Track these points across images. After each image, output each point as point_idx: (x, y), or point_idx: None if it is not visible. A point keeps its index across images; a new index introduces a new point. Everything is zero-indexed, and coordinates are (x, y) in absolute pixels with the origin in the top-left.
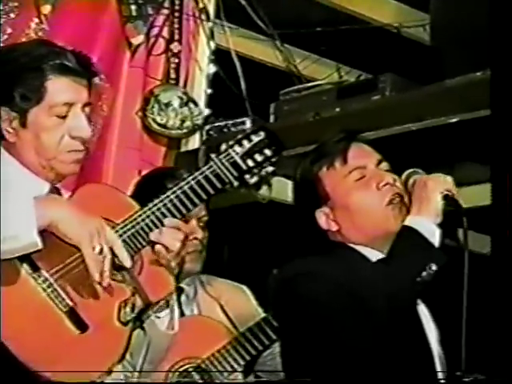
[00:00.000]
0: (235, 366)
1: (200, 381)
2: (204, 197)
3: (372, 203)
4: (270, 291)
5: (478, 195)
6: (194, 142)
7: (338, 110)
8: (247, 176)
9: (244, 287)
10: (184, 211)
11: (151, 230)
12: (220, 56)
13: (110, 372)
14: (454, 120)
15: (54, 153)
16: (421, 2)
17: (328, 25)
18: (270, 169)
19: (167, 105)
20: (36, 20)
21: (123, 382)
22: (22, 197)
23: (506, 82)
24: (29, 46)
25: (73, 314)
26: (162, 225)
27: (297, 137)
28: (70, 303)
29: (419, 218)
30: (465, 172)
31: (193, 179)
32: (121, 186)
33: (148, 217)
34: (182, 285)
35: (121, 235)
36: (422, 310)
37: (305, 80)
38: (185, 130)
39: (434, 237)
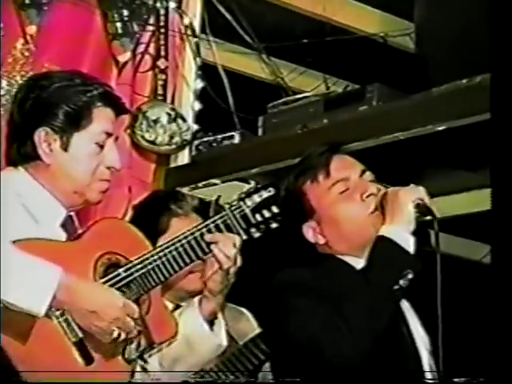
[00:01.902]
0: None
1: None
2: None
3: (357, 214)
4: (260, 301)
5: (467, 202)
6: (184, 158)
7: (325, 121)
8: (253, 230)
9: (244, 310)
10: (194, 258)
11: (161, 271)
12: (207, 71)
13: None
14: (442, 128)
15: (89, 180)
16: (405, 11)
17: (313, 36)
18: (274, 225)
19: (155, 121)
20: (21, 41)
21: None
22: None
23: (506, 85)
24: (69, 74)
25: (81, 346)
26: (179, 265)
27: (285, 149)
28: (80, 334)
29: (393, 227)
30: (453, 180)
31: (204, 227)
32: (111, 203)
33: (160, 258)
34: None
35: (132, 273)
36: (411, 317)
37: (292, 92)
38: (174, 146)
39: (409, 245)
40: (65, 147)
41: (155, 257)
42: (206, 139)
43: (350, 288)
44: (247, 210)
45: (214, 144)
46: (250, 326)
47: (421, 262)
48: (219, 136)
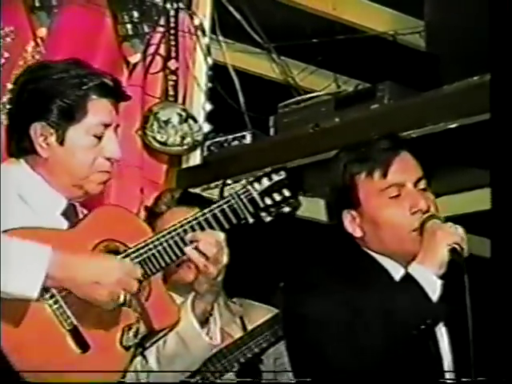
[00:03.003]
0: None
1: None
2: (218, 230)
3: (401, 225)
4: (278, 304)
5: (478, 200)
6: (195, 159)
7: (337, 120)
8: (263, 214)
9: (271, 308)
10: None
11: (163, 257)
12: (217, 71)
13: None
14: (454, 126)
15: (87, 172)
16: (415, 9)
17: (323, 35)
18: (287, 209)
19: (167, 122)
20: (32, 43)
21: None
22: (33, 244)
23: (506, 85)
24: (66, 65)
25: (76, 333)
26: (175, 254)
27: (297, 149)
28: (75, 322)
29: (423, 267)
30: (465, 177)
31: (209, 211)
32: (123, 204)
33: (161, 244)
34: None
35: (132, 259)
36: (441, 335)
37: (303, 92)
38: (185, 147)
39: (435, 289)
40: (60, 141)
41: (156, 242)
42: (217, 140)
43: (373, 304)
44: (255, 194)
45: (226, 144)
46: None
47: (444, 309)
48: (230, 136)
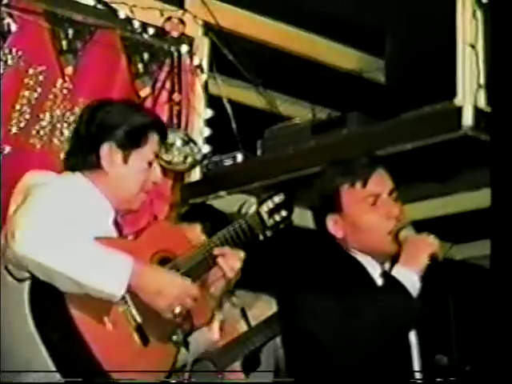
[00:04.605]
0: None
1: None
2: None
3: (378, 228)
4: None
5: (428, 209)
6: (196, 175)
7: (313, 143)
8: (267, 232)
9: (267, 296)
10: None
11: (203, 266)
12: (214, 102)
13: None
14: (410, 147)
15: (138, 191)
16: (377, 49)
17: (303, 72)
18: (283, 226)
19: (172, 145)
20: (60, 80)
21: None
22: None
23: (507, 84)
24: (125, 102)
25: (139, 329)
26: (209, 265)
27: (280, 167)
28: (139, 320)
29: (406, 270)
30: (419, 189)
31: (232, 229)
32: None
33: (203, 254)
34: None
35: (182, 269)
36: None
37: (285, 119)
38: (187, 165)
39: (415, 288)
40: (125, 161)
41: (198, 254)
42: (214, 159)
43: (362, 298)
44: (265, 215)
45: (221, 163)
46: (266, 309)
47: (422, 306)
48: (225, 156)
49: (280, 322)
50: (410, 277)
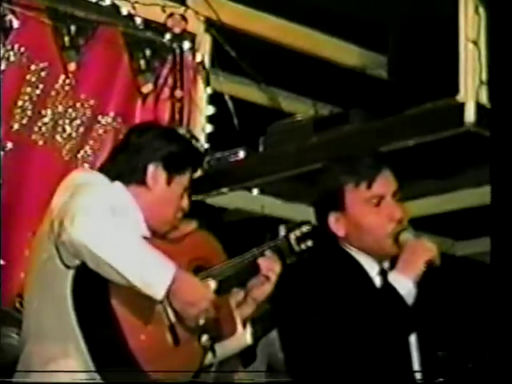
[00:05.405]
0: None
1: None
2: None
3: (380, 230)
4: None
5: (430, 206)
6: (197, 171)
7: (315, 139)
8: (293, 258)
9: None
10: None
11: (237, 278)
12: (216, 99)
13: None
14: (412, 143)
15: (174, 214)
16: (380, 45)
17: (306, 68)
18: (306, 256)
19: None
20: (63, 77)
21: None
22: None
23: (506, 83)
24: (171, 129)
25: (172, 329)
26: (248, 275)
27: (282, 163)
28: (173, 320)
29: (402, 277)
30: (421, 185)
31: (267, 248)
32: None
33: (234, 268)
34: None
35: (215, 277)
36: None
37: (287, 115)
38: None
39: (411, 295)
40: (168, 183)
41: (230, 267)
42: (216, 155)
43: (358, 304)
44: (293, 242)
45: (223, 159)
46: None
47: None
48: (226, 153)
49: (276, 321)
50: (406, 284)
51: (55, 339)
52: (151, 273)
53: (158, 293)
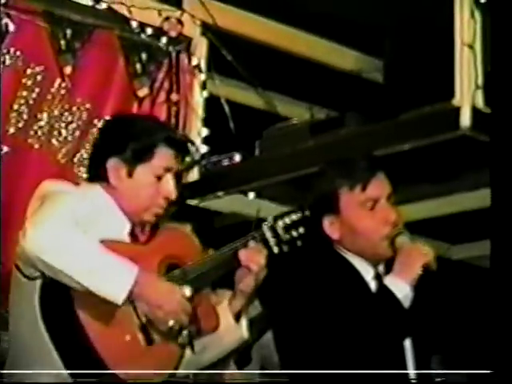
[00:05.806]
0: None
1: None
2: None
3: (375, 233)
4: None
5: (425, 209)
6: (194, 175)
7: (311, 143)
8: (284, 246)
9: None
10: (232, 266)
11: (214, 272)
12: (212, 102)
13: None
14: (407, 147)
15: (149, 204)
16: (376, 49)
17: (301, 72)
18: (299, 243)
19: None
20: (59, 80)
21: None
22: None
23: (506, 84)
24: (144, 119)
25: (144, 329)
26: (227, 267)
27: (278, 167)
28: (144, 320)
29: (399, 281)
30: (417, 189)
31: (250, 238)
32: None
33: (213, 262)
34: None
35: (187, 275)
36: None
37: (283, 119)
38: (185, 165)
39: (407, 299)
40: (129, 174)
41: (208, 261)
42: (212, 159)
43: (354, 308)
44: (280, 230)
45: (219, 163)
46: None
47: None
48: (223, 156)
49: (271, 324)
50: (402, 287)
51: (32, 348)
52: (109, 278)
53: (118, 298)
